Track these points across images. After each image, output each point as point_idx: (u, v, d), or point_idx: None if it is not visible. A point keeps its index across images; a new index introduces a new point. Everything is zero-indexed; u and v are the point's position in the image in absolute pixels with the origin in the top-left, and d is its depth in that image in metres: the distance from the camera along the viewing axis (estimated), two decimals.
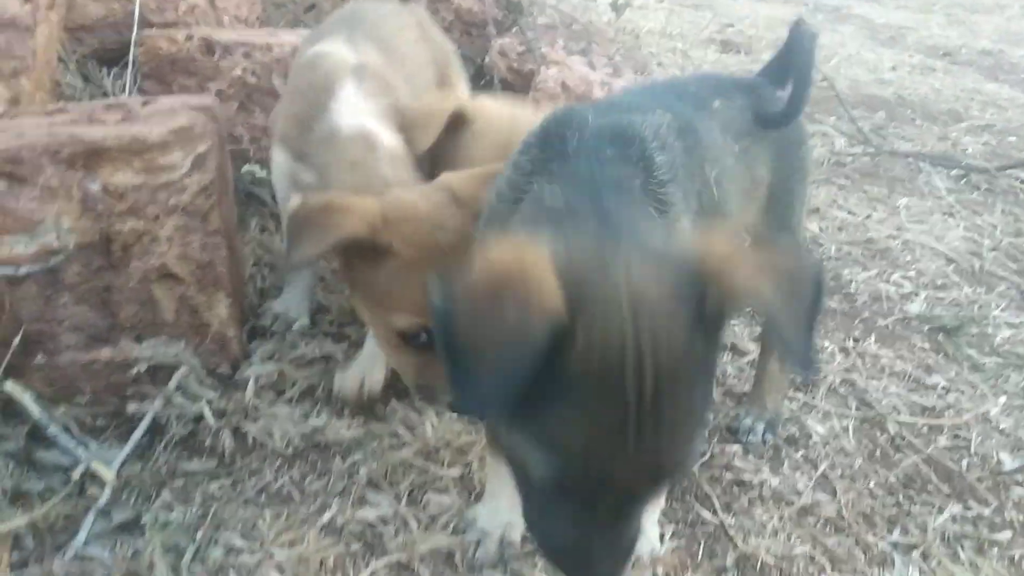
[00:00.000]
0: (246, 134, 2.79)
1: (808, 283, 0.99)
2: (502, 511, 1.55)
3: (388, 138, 1.74)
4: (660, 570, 1.50)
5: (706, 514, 1.71)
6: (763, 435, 1.94)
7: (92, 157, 1.72)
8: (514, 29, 3.86)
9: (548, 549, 1.10)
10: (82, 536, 1.44)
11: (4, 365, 1.68)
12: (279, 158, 1.93)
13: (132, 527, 1.51)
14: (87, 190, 1.72)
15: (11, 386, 1.68)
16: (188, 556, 1.46)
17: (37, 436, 1.66)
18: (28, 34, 2.12)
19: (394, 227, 1.45)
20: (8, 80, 2.06)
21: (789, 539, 1.67)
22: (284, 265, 1.97)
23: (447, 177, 1.61)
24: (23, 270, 1.67)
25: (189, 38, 2.74)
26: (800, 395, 2.16)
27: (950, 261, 3.13)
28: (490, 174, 1.46)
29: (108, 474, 1.57)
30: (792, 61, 1.71)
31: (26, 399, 1.68)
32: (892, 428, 2.05)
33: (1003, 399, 2.25)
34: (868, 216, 3.44)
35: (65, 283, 1.74)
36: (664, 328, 0.91)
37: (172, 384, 1.73)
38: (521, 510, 1.12)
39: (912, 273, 2.99)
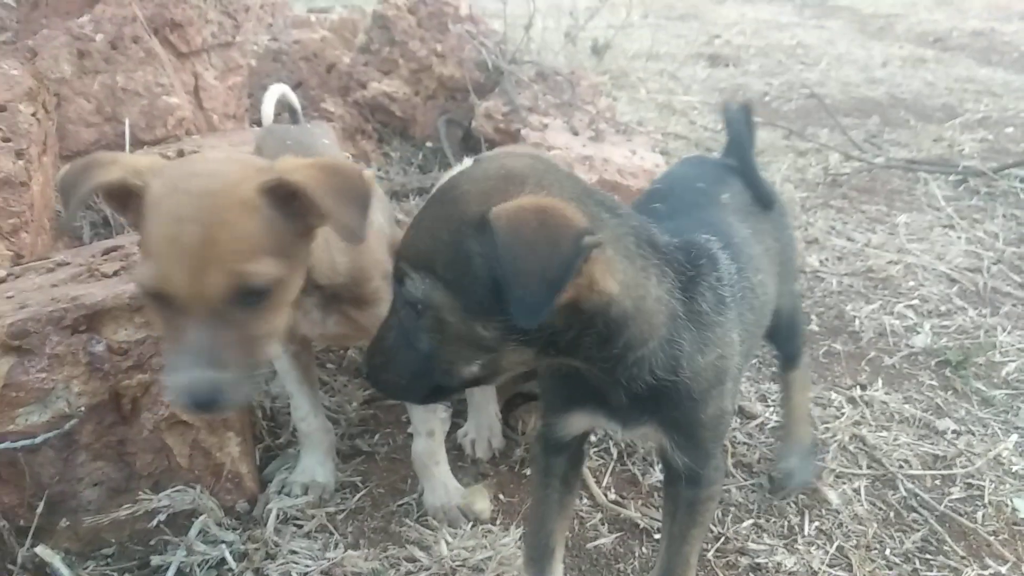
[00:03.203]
0: None
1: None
2: None
3: None
4: None
5: None
6: (802, 478, 2.05)
7: (94, 319, 1.79)
8: (496, 89, 3.92)
9: None
10: None
11: (32, 529, 1.75)
12: None
13: None
14: (93, 352, 1.79)
15: (42, 550, 1.76)
16: None
17: None
18: (24, 189, 2.20)
19: (154, 171, 1.36)
20: (9, 238, 2.14)
21: None
22: (64, 219, 1.76)
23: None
24: (40, 439, 1.73)
25: (180, 154, 2.82)
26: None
27: (953, 282, 3.13)
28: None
29: None
30: (734, 148, 1.82)
31: (56, 561, 1.75)
32: (903, 487, 2.06)
33: (1014, 437, 2.25)
34: (868, 242, 3.44)
35: (81, 443, 1.80)
36: None
37: (193, 532, 1.79)
38: None
39: (915, 301, 2.99)
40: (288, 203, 1.36)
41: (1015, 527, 1.96)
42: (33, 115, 2.32)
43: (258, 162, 1.45)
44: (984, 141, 4.73)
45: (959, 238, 3.49)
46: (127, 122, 2.92)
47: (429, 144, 4.00)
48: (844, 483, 2.08)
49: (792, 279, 1.95)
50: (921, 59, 6.73)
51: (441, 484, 1.96)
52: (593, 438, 2.26)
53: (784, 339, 2.01)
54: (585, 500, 2.02)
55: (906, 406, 2.39)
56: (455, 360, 1.20)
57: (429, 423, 1.94)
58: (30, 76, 2.40)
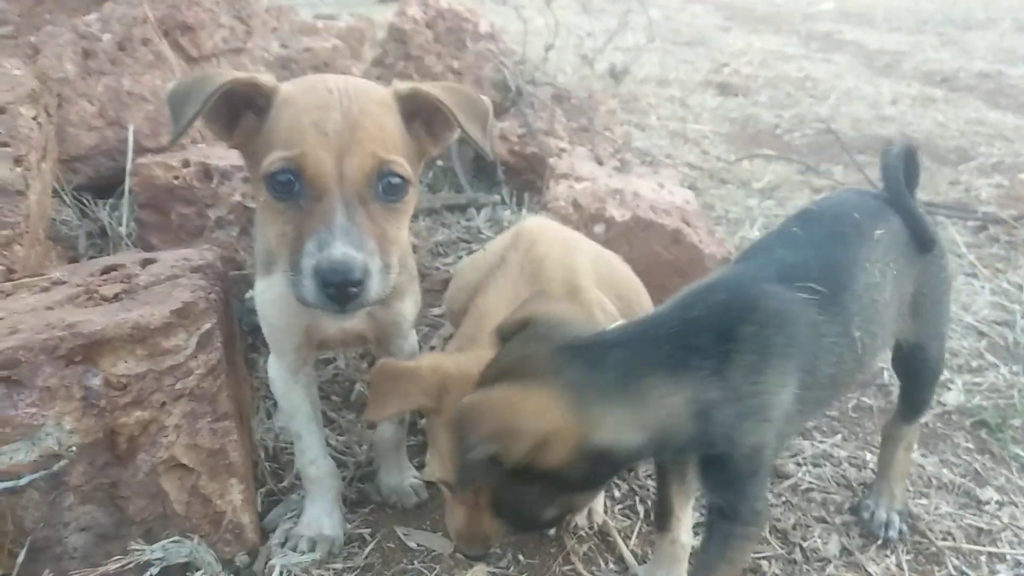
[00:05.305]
0: (248, 259, 2.70)
1: None
2: None
3: None
4: None
5: None
6: (899, 527, 2.02)
7: (92, 349, 1.63)
8: (512, 110, 3.80)
9: None
10: None
11: None
12: None
13: None
14: (88, 386, 1.63)
15: None
16: None
17: None
18: (21, 198, 2.03)
19: (278, 80, 1.49)
20: (1, 252, 1.97)
21: None
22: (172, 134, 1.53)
23: None
24: (24, 480, 1.57)
25: (186, 164, 2.66)
26: (850, 517, 2.06)
27: (981, 335, 3.03)
28: None
29: None
30: (890, 194, 1.78)
31: None
32: (950, 563, 1.94)
33: None
34: None
35: (69, 485, 1.64)
36: None
37: None
38: None
39: (945, 354, 2.87)
40: (414, 118, 1.50)
41: None
42: (34, 119, 2.16)
43: None
44: (1000, 187, 4.65)
45: (983, 287, 3.40)
46: (131, 128, 2.77)
47: (440, 163, 3.86)
48: (887, 556, 1.96)
49: (937, 322, 1.90)
50: (930, 98, 6.68)
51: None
52: (617, 493, 2.12)
53: (914, 382, 1.99)
54: (612, 564, 1.88)
55: (944, 470, 2.27)
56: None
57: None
58: (33, 77, 2.25)
